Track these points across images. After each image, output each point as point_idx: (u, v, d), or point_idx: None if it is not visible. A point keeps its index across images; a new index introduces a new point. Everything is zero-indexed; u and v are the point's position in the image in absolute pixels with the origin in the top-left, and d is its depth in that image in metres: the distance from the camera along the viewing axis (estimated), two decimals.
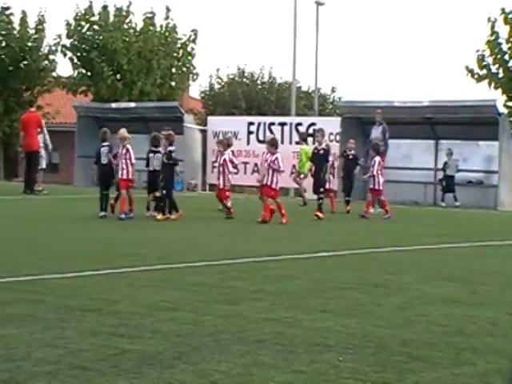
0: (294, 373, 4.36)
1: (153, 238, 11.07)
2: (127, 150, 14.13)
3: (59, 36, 35.27)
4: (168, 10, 35.94)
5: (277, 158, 14.12)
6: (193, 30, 36.05)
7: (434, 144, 22.80)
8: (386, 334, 5.31)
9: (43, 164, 20.68)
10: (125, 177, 14.08)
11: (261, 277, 7.63)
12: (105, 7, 35.31)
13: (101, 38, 34.47)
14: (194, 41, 36.16)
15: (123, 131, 14.43)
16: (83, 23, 34.81)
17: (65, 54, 35.11)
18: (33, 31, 35.54)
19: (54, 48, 35.56)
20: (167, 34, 35.74)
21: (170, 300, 6.26)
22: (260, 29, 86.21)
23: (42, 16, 35.67)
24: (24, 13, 35.62)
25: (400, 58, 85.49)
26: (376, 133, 18.61)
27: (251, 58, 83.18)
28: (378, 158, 16.40)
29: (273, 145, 14.40)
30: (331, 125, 22.72)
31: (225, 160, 15.14)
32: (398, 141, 22.64)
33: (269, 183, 14.07)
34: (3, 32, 35.03)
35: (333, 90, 44.64)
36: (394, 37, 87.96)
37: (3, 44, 34.91)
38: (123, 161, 14.11)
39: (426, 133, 22.46)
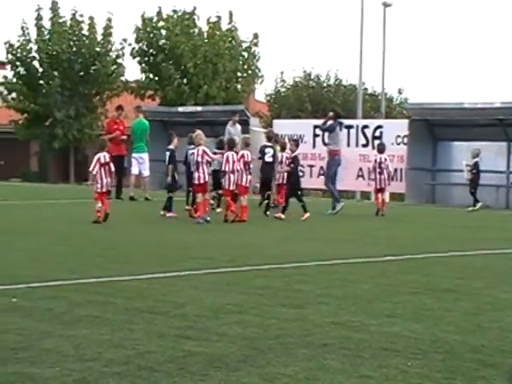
0: (361, 377, 4.31)
1: (218, 241, 11.13)
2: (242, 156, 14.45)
3: (125, 40, 35.95)
4: (231, 14, 36.32)
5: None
6: (254, 34, 36.31)
7: (506, 146, 22.24)
8: (456, 340, 5.19)
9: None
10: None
11: (327, 280, 7.58)
12: (174, 11, 35.83)
13: (168, 41, 34.95)
14: (256, 44, 36.39)
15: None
16: (149, 29, 35.34)
17: (134, 57, 35.73)
18: (101, 37, 36.26)
19: (121, 52, 36.27)
20: (232, 37, 36.04)
21: (235, 303, 6.27)
22: (327, 31, 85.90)
23: (110, 21, 36.36)
24: (91, 18, 36.38)
25: (469, 58, 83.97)
26: (234, 131, 19.04)
27: (318, 60, 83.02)
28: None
29: (230, 145, 14.48)
30: (398, 127, 22.41)
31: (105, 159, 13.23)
32: (469, 143, 22.17)
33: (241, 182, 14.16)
34: (74, 38, 35.87)
35: (399, 92, 44.08)
36: (462, 37, 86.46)
37: (74, 49, 35.71)
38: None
39: (498, 135, 21.91)
